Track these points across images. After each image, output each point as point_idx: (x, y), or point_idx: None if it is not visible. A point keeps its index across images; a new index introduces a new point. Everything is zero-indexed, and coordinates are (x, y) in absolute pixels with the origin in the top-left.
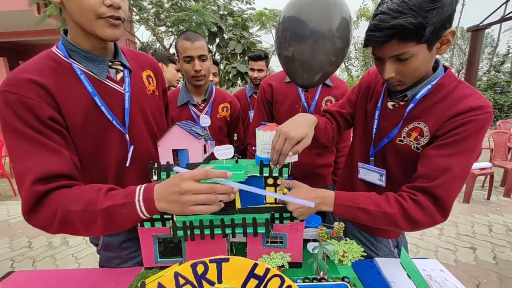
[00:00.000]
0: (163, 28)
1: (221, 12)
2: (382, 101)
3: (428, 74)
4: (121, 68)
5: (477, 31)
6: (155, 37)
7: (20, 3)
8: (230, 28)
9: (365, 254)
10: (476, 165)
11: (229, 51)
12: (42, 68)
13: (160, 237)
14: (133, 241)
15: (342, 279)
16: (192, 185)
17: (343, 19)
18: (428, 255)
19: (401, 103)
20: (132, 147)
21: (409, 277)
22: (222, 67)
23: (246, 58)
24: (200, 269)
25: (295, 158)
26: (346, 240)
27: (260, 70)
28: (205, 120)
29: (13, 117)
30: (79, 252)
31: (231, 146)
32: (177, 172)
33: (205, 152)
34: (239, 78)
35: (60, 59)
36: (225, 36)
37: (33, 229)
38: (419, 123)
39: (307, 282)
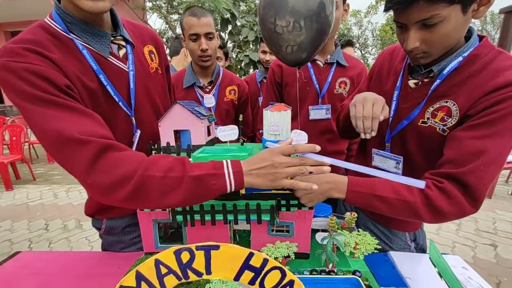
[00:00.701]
0: (175, 16)
1: None
2: (402, 79)
3: (459, 44)
4: (123, 43)
5: (510, 13)
6: (167, 25)
7: None
8: (243, 15)
9: (379, 247)
10: None
11: (241, 39)
12: (42, 41)
13: (160, 222)
14: (136, 225)
15: (353, 273)
16: (284, 158)
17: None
18: (445, 251)
19: (425, 80)
20: (138, 131)
21: (441, 276)
22: (234, 56)
23: (259, 46)
24: (185, 257)
25: (304, 141)
26: (358, 231)
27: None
28: (209, 100)
29: (25, 85)
30: (92, 235)
31: (235, 127)
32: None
33: (209, 134)
34: (252, 67)
35: (59, 33)
36: (238, 23)
37: (50, 212)
38: (446, 102)
39: (314, 274)
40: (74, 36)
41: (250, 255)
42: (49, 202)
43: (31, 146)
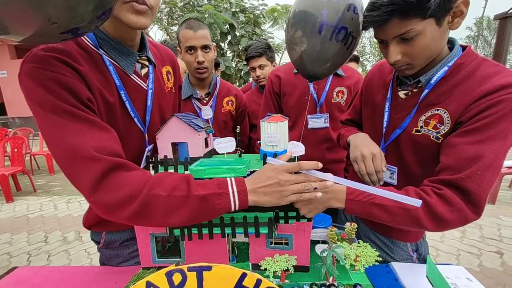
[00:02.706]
0: (175, 28)
1: (233, 9)
2: (392, 90)
3: (442, 54)
4: (146, 63)
5: (505, 19)
6: (168, 37)
7: None
8: (242, 25)
9: (380, 258)
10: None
11: (241, 48)
12: (72, 52)
13: (158, 236)
14: (135, 239)
15: (354, 286)
16: (289, 176)
17: (356, 14)
18: (449, 259)
19: (415, 90)
20: (149, 146)
21: None
22: (234, 65)
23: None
24: (176, 278)
25: (301, 152)
26: (359, 243)
27: (261, 67)
28: (207, 112)
29: (49, 94)
30: (91, 247)
31: (232, 139)
32: (268, 163)
33: (207, 146)
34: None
35: (89, 47)
36: (237, 33)
37: (50, 224)
38: (437, 110)
39: None
40: (103, 52)
41: (243, 275)
42: (49, 214)
43: (32, 157)
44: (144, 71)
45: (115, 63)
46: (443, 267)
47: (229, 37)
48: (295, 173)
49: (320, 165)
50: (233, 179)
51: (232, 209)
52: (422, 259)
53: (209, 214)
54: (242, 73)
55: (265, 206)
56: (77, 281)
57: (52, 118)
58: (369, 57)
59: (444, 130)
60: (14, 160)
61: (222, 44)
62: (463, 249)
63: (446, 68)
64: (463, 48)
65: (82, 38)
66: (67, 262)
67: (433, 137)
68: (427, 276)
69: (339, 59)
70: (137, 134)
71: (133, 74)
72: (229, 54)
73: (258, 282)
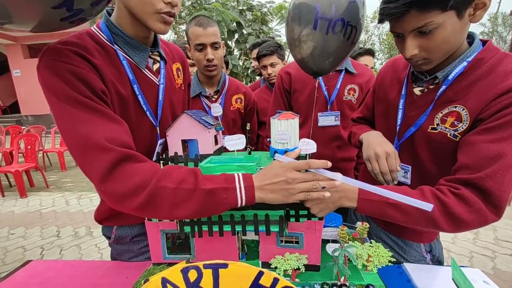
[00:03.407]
0: (183, 27)
1: (240, 8)
2: (407, 87)
3: (461, 49)
4: (158, 58)
5: None
6: (176, 36)
7: None
8: (249, 23)
9: (394, 259)
10: None
11: (248, 47)
12: (87, 46)
13: (168, 232)
14: (145, 235)
15: (367, 287)
16: (298, 174)
17: (352, 3)
18: (461, 262)
19: (431, 86)
20: (161, 140)
21: None
22: (241, 63)
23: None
24: (192, 275)
25: (313, 150)
26: (371, 242)
27: (273, 65)
28: (216, 109)
29: (64, 85)
30: (102, 242)
31: (242, 136)
32: (276, 160)
33: (216, 143)
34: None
35: (104, 42)
36: (244, 32)
37: (62, 219)
38: (455, 107)
39: None
40: (118, 47)
41: (260, 274)
42: (61, 210)
43: (45, 154)
44: (156, 66)
45: (129, 57)
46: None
47: (236, 35)
48: (304, 171)
49: (329, 164)
50: (240, 174)
51: (239, 205)
52: (436, 261)
53: (215, 208)
54: (249, 72)
55: (272, 203)
56: (89, 275)
57: (67, 108)
58: (378, 54)
59: (462, 128)
60: (27, 157)
61: (229, 43)
62: (476, 251)
63: (465, 63)
64: (483, 42)
65: (97, 33)
66: (78, 256)
67: (450, 135)
68: (453, 279)
69: (341, 52)
70: (149, 128)
71: (146, 69)
72: (236, 52)
73: (275, 281)
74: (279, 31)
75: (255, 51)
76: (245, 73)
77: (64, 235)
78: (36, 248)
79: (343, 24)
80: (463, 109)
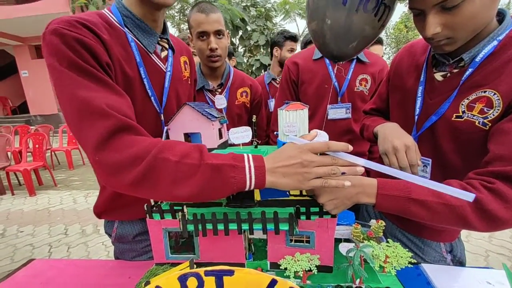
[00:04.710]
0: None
1: (244, 4)
2: (426, 73)
3: (490, 27)
4: (166, 46)
5: None
6: (180, 33)
7: (59, 5)
8: (253, 20)
9: (414, 260)
10: None
11: (252, 43)
12: (96, 23)
13: (171, 231)
14: (147, 234)
15: None
16: (315, 157)
17: None
18: (477, 261)
19: (455, 70)
20: (166, 127)
21: None
22: (245, 60)
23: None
24: (191, 284)
25: (326, 141)
26: (388, 242)
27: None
28: (220, 101)
29: (69, 52)
30: (108, 240)
31: (249, 128)
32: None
33: (220, 137)
34: (263, 71)
35: (113, 23)
36: (248, 28)
37: (69, 217)
38: (484, 91)
39: None
40: (127, 30)
41: (273, 282)
42: (69, 207)
43: (52, 153)
44: (163, 54)
45: (137, 40)
46: (484, 271)
47: (240, 32)
48: (321, 154)
49: (351, 147)
50: (250, 155)
51: (247, 187)
52: (457, 262)
53: (220, 188)
54: (253, 69)
55: (283, 189)
56: (92, 275)
57: (69, 74)
58: (386, 48)
59: (494, 115)
60: (35, 156)
61: (233, 39)
62: (492, 250)
63: (495, 42)
64: None
65: (108, 15)
66: (85, 254)
67: (478, 123)
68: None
69: (369, 34)
70: (153, 114)
71: (153, 54)
72: (241, 49)
73: None
74: (283, 26)
75: (290, 42)
76: (250, 71)
77: (72, 233)
78: (44, 246)
79: (377, 2)
80: (494, 94)
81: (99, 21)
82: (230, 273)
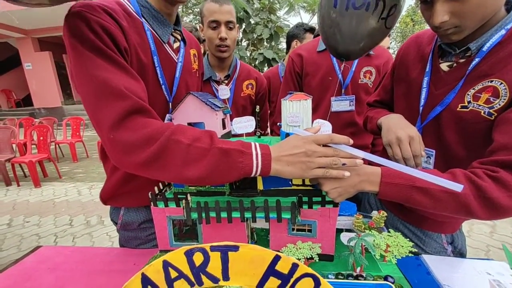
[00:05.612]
0: (190, 17)
1: None
2: (432, 63)
3: (498, 16)
4: (179, 37)
5: None
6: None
7: None
8: (257, 12)
9: (415, 250)
10: None
11: (255, 37)
12: (116, 10)
13: (175, 219)
14: (152, 222)
15: (385, 278)
16: (318, 148)
17: None
18: (478, 255)
19: (461, 60)
20: (169, 115)
21: None
22: (248, 54)
23: (273, 43)
24: (198, 259)
25: (329, 131)
26: (389, 231)
27: None
28: (224, 92)
29: (92, 34)
30: (113, 231)
31: (252, 118)
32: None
33: (224, 127)
34: (266, 65)
35: (131, 12)
36: (252, 21)
37: (74, 208)
38: (491, 81)
39: (340, 278)
40: (144, 20)
41: (276, 258)
42: (73, 199)
43: (57, 145)
44: (176, 45)
45: (153, 30)
46: (484, 262)
47: (243, 25)
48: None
49: (351, 141)
50: (257, 143)
51: (253, 172)
52: (458, 253)
53: (228, 172)
54: (256, 63)
55: (287, 177)
56: (98, 261)
57: (90, 56)
58: (391, 42)
59: (500, 105)
60: (40, 148)
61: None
62: (493, 244)
63: (503, 31)
64: None
65: (126, 4)
66: (90, 244)
67: (484, 113)
68: None
69: (371, 31)
70: (162, 102)
71: (166, 44)
72: (244, 43)
73: (294, 266)
74: (287, 19)
75: (309, 34)
76: (253, 64)
77: (77, 223)
78: (50, 236)
79: (383, 3)
80: (501, 83)
81: (118, 8)
82: (235, 248)
